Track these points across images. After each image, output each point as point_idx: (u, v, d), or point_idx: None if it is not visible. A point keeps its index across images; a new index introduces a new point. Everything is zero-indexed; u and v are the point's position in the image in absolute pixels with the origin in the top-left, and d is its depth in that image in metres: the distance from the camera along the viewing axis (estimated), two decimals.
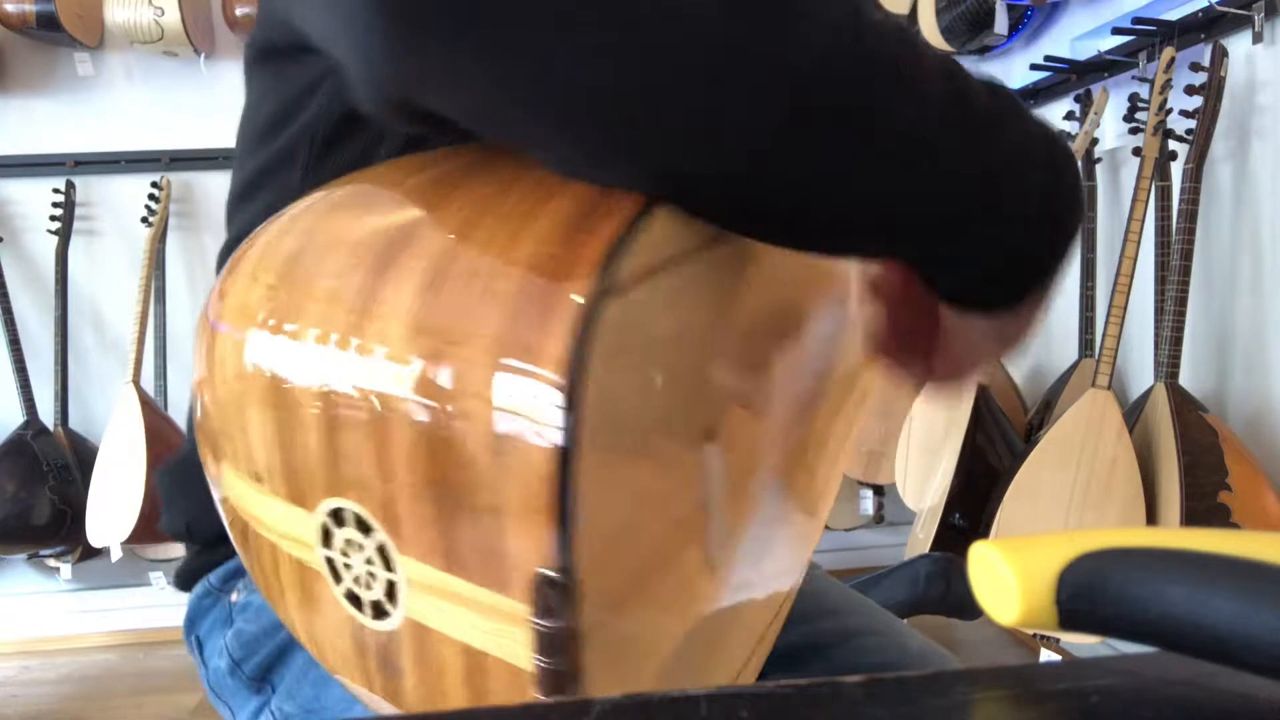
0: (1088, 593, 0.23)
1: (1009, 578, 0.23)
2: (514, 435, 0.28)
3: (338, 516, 0.34)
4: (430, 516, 0.31)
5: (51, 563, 2.19)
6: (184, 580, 0.58)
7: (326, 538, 0.34)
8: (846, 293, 0.50)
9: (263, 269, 0.35)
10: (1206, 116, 1.38)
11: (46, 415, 2.12)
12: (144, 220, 2.16)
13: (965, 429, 1.70)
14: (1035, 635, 1.77)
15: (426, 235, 0.32)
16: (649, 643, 0.34)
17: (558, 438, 0.27)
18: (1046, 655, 1.70)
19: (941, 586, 1.61)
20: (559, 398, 0.27)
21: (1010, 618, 0.23)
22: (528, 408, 0.28)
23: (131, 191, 2.20)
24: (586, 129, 0.30)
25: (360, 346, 0.31)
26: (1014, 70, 2.01)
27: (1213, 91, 1.38)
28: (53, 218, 2.13)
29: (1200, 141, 1.38)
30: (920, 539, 1.75)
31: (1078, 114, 1.76)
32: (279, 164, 0.52)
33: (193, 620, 0.57)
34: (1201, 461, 1.33)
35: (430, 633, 0.33)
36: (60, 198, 2.13)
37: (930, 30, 2.04)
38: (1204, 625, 0.22)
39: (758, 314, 0.40)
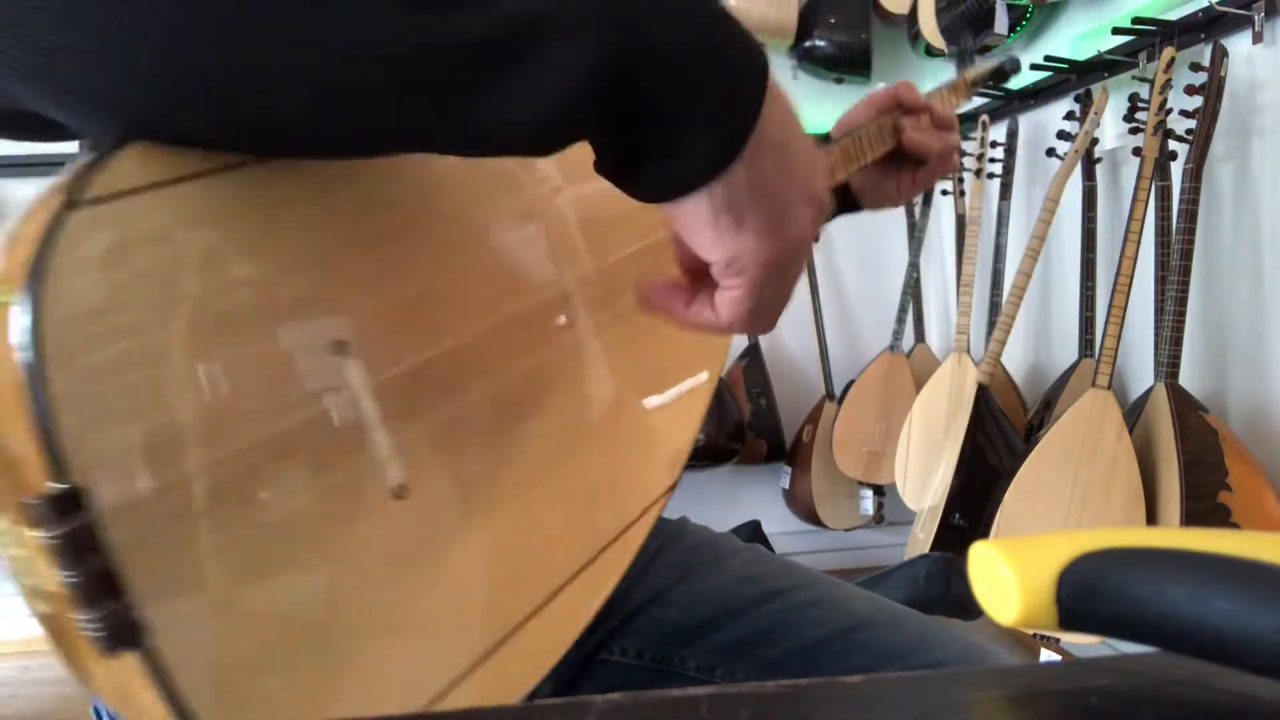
0: (1088, 593, 0.23)
1: (1009, 578, 0.23)
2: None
3: None
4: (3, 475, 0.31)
5: None
6: None
7: None
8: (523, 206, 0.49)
9: None
10: (1206, 116, 1.38)
11: None
12: None
13: (965, 429, 1.70)
14: (1035, 635, 1.77)
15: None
16: (194, 539, 0.33)
17: (18, 339, 0.29)
18: (1046, 655, 1.70)
19: (941, 586, 1.61)
20: (17, 307, 0.29)
21: (1010, 618, 0.23)
22: None
23: None
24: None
25: None
26: None
27: (1213, 91, 1.38)
28: None
29: (1200, 141, 1.38)
30: (920, 539, 1.75)
31: (1078, 114, 1.76)
32: None
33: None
34: (1201, 461, 1.33)
35: (54, 597, 0.33)
36: None
37: (930, 30, 2.04)
38: (1204, 625, 0.22)
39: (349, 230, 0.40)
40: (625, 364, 0.56)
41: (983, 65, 0.93)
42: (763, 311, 0.43)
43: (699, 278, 0.44)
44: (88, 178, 0.32)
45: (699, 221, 0.39)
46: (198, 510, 0.33)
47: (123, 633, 0.31)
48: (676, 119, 0.36)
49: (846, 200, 0.83)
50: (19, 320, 0.29)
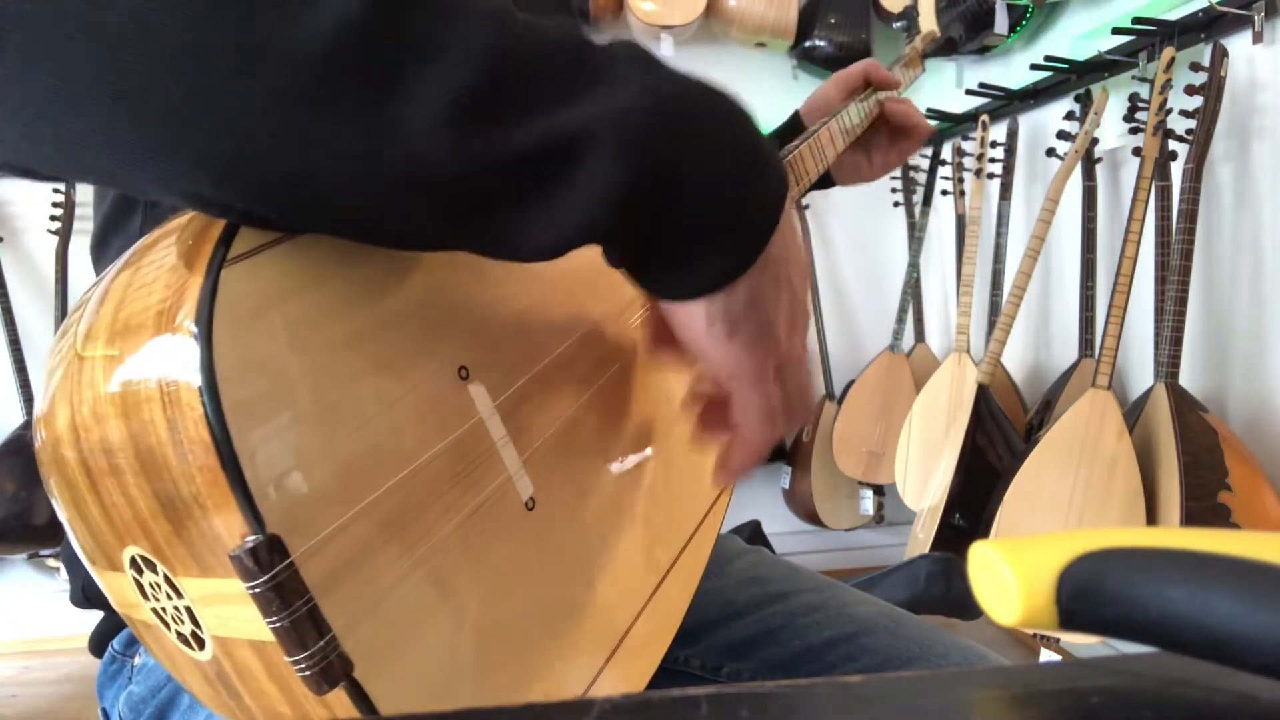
0: (1088, 593, 0.23)
1: (1009, 578, 0.23)
2: (176, 415, 0.31)
3: (135, 565, 0.35)
4: (172, 530, 0.32)
5: (51, 563, 2.19)
6: (94, 646, 0.58)
7: (142, 591, 0.36)
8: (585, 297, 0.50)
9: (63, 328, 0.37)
10: (1206, 116, 1.38)
11: None
12: None
13: (965, 429, 1.70)
14: (1035, 635, 1.77)
15: (106, 278, 0.36)
16: (374, 571, 0.34)
17: (196, 380, 0.30)
18: (1046, 655, 1.70)
19: (941, 586, 1.61)
20: (192, 355, 0.30)
21: (1010, 618, 0.23)
22: (172, 375, 0.31)
23: None
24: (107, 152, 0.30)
25: (80, 385, 0.34)
26: (1014, 70, 2.01)
27: (1213, 91, 1.38)
28: (53, 218, 2.13)
29: (1200, 142, 1.38)
30: (920, 539, 1.75)
31: (1078, 114, 1.76)
32: (120, 212, 0.53)
33: (101, 691, 0.57)
34: (1201, 461, 1.33)
35: (227, 642, 0.34)
36: (60, 198, 2.13)
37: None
38: (1204, 625, 0.22)
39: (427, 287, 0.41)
40: None
41: (928, 32, 0.97)
42: (778, 410, 0.43)
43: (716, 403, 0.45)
44: (226, 235, 0.33)
45: (692, 326, 0.40)
46: (375, 543, 0.34)
47: (330, 669, 0.32)
48: (692, 242, 0.37)
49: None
50: (201, 379, 0.30)
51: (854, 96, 0.82)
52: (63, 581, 2.24)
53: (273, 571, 0.30)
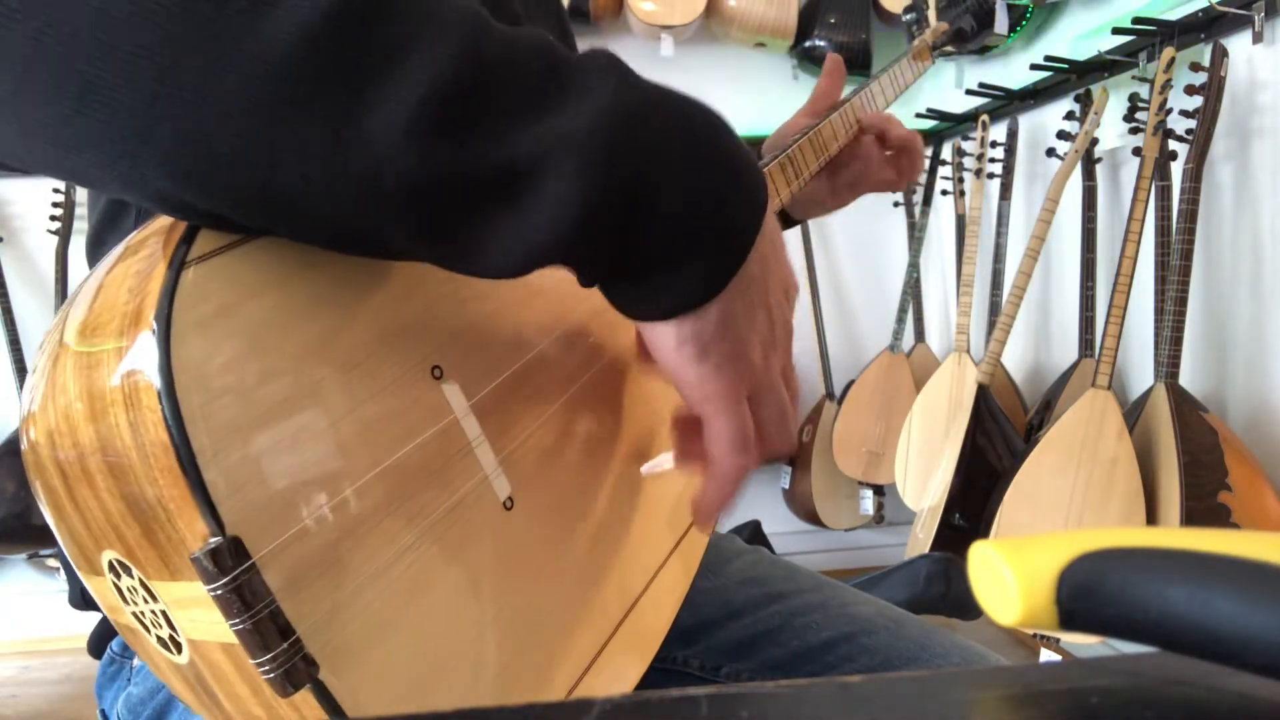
0: (1088, 593, 0.23)
1: (1009, 578, 0.23)
2: (137, 417, 0.31)
3: (114, 569, 0.35)
4: (142, 533, 0.32)
5: (51, 563, 2.19)
6: (93, 647, 0.58)
7: (122, 595, 0.36)
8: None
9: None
10: (1206, 116, 1.38)
11: None
12: None
13: (965, 429, 1.70)
14: (1035, 635, 1.77)
15: (87, 284, 0.36)
16: (343, 572, 0.34)
17: (155, 381, 0.30)
18: (1046, 655, 1.70)
19: (941, 586, 1.61)
20: (150, 357, 0.30)
21: (1010, 618, 0.23)
22: (133, 377, 0.31)
23: None
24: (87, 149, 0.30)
25: (55, 389, 0.34)
26: (1014, 70, 2.01)
27: (1213, 91, 1.38)
28: (53, 218, 2.13)
29: (1200, 141, 1.38)
30: (920, 539, 1.75)
31: (1078, 114, 1.76)
32: (115, 212, 0.53)
33: (100, 692, 0.57)
34: (1201, 461, 1.33)
35: (201, 645, 0.34)
36: (60, 198, 2.13)
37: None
38: (1204, 625, 0.22)
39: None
40: None
41: (938, 26, 0.91)
42: (750, 437, 0.42)
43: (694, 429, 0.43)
44: (185, 238, 0.33)
45: (662, 344, 0.39)
46: (344, 544, 0.34)
47: (294, 672, 0.31)
48: (660, 264, 0.36)
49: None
50: (158, 381, 0.30)
51: (827, 114, 0.73)
52: (63, 581, 2.24)
53: (233, 574, 0.30)
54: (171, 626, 0.34)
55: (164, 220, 0.35)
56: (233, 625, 0.31)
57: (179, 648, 0.35)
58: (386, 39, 0.30)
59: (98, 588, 0.37)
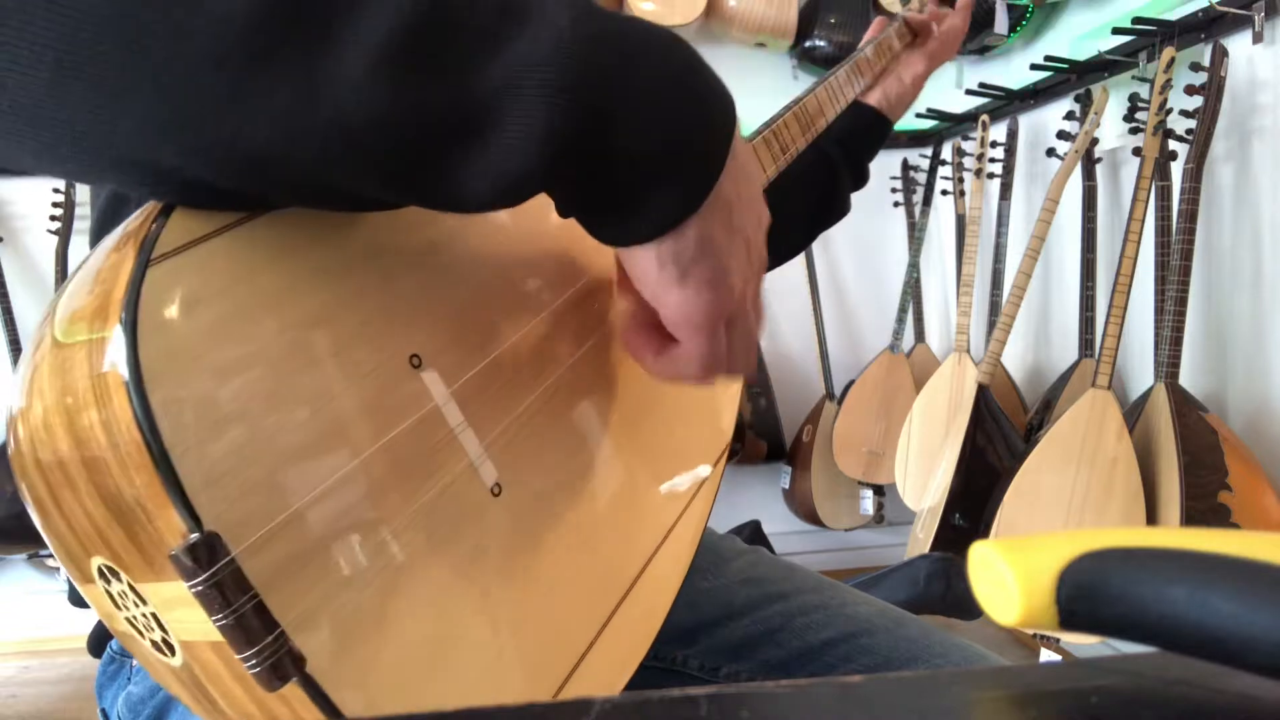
0: (1088, 593, 0.23)
1: (1009, 578, 0.23)
2: (109, 415, 0.30)
3: (103, 575, 0.35)
4: (125, 536, 0.32)
5: (51, 563, 2.19)
6: (93, 646, 0.58)
7: (114, 601, 0.35)
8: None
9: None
10: (1206, 116, 1.38)
11: None
12: None
13: (965, 429, 1.70)
14: (1035, 635, 1.77)
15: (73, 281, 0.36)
16: (328, 564, 0.34)
17: (124, 376, 0.30)
18: (1046, 655, 1.70)
19: (941, 586, 1.61)
20: (118, 352, 0.30)
21: (1010, 618, 0.23)
22: (102, 373, 0.31)
23: None
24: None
25: (32, 392, 0.34)
26: (1014, 70, 2.01)
27: (1213, 91, 1.38)
28: (53, 218, 2.13)
29: (1200, 141, 1.38)
30: (920, 539, 1.75)
31: (1078, 114, 1.76)
32: (114, 209, 0.53)
33: (100, 691, 0.57)
34: (1201, 461, 1.33)
35: (192, 646, 0.34)
36: (60, 198, 2.13)
37: None
38: (1204, 625, 0.22)
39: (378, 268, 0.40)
40: None
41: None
42: (721, 361, 0.43)
43: (661, 330, 0.44)
44: (153, 234, 0.33)
45: (644, 270, 0.40)
46: (327, 536, 0.34)
47: (280, 666, 0.31)
48: (634, 186, 0.37)
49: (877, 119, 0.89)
50: (127, 378, 0.30)
51: (812, 88, 0.79)
52: (62, 581, 2.24)
53: (212, 569, 0.30)
54: (163, 629, 0.34)
55: (150, 209, 0.35)
56: (216, 621, 0.30)
57: (172, 650, 0.35)
58: None
59: (92, 595, 0.37)
